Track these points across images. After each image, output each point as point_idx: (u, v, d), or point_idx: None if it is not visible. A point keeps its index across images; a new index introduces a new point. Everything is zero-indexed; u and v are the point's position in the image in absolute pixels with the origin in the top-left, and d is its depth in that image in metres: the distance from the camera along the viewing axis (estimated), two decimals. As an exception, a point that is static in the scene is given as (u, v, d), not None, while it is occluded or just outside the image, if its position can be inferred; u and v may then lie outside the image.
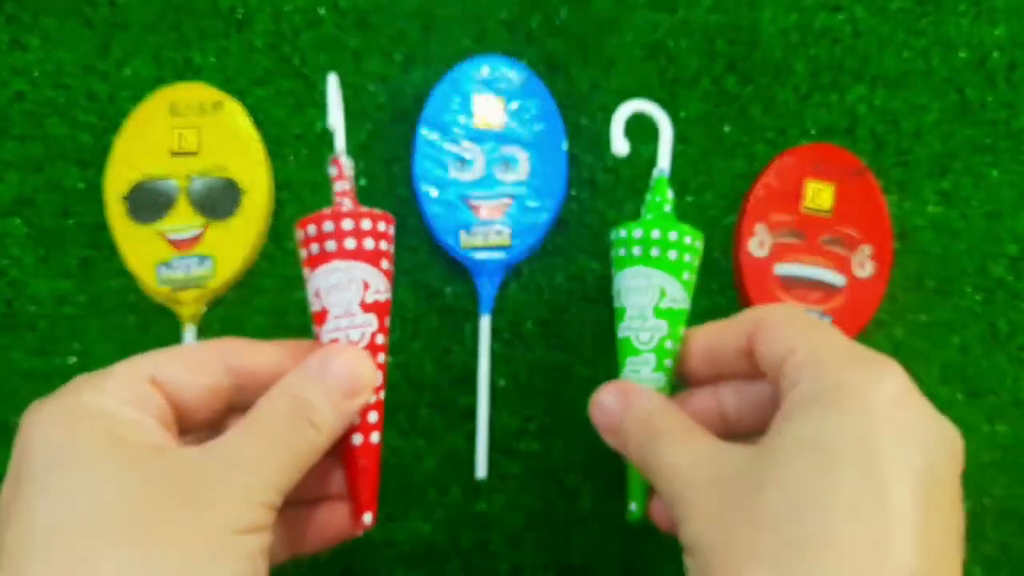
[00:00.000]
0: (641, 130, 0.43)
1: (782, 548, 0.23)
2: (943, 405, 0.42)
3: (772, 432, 0.26)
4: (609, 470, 0.41)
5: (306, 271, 0.34)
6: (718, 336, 0.32)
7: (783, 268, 0.42)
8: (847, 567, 0.22)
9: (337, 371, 0.29)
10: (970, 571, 0.42)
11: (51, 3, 0.43)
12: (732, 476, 0.26)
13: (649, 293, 0.33)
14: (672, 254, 0.33)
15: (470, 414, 0.42)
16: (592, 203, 0.43)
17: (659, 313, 0.33)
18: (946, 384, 0.43)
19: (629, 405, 0.31)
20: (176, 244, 0.41)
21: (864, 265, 0.42)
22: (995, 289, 0.43)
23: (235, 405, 0.30)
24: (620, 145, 0.35)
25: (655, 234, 0.33)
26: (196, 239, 0.41)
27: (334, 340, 0.32)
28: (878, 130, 0.44)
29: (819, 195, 0.42)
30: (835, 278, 0.42)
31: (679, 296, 0.33)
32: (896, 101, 0.44)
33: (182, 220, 0.41)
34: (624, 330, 0.33)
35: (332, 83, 0.36)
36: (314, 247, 0.34)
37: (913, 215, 0.44)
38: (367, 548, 0.40)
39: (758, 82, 0.44)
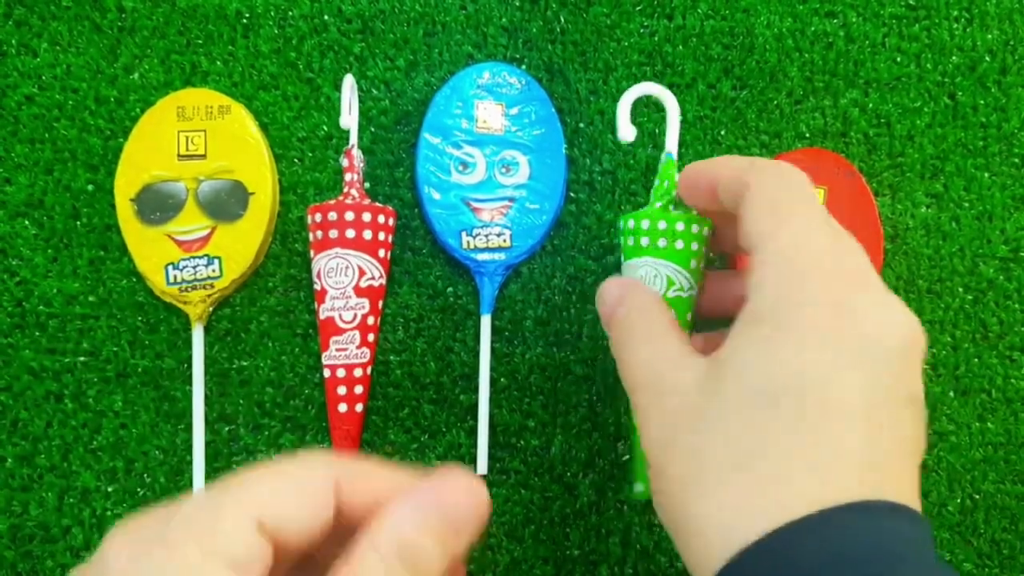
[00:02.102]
0: (638, 132, 0.44)
1: (721, 486, 0.24)
2: (935, 403, 0.43)
3: (723, 353, 0.26)
4: (607, 465, 0.42)
5: (312, 252, 0.40)
6: (709, 183, 0.31)
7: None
8: (796, 489, 0.23)
9: (452, 505, 0.23)
10: (961, 566, 0.43)
11: (60, 8, 0.44)
12: (683, 393, 0.26)
13: (656, 283, 0.33)
14: (679, 244, 0.33)
15: (471, 411, 0.42)
16: (590, 205, 0.44)
17: (666, 302, 0.32)
18: (937, 382, 0.44)
19: (623, 298, 0.31)
20: (184, 245, 0.42)
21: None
22: (986, 290, 0.44)
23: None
24: (626, 131, 0.34)
25: (661, 225, 0.33)
26: (204, 240, 0.42)
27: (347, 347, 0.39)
28: (871, 133, 0.45)
29: (812, 198, 0.43)
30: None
31: (686, 284, 0.33)
32: (889, 105, 0.45)
33: (190, 222, 0.42)
34: None
35: (348, 83, 0.39)
36: (319, 233, 0.39)
37: (905, 217, 0.44)
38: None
39: (753, 87, 0.45)
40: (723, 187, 0.30)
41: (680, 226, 0.33)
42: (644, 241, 0.34)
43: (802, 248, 0.26)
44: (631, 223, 0.35)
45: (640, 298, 0.31)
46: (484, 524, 0.24)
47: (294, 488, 0.22)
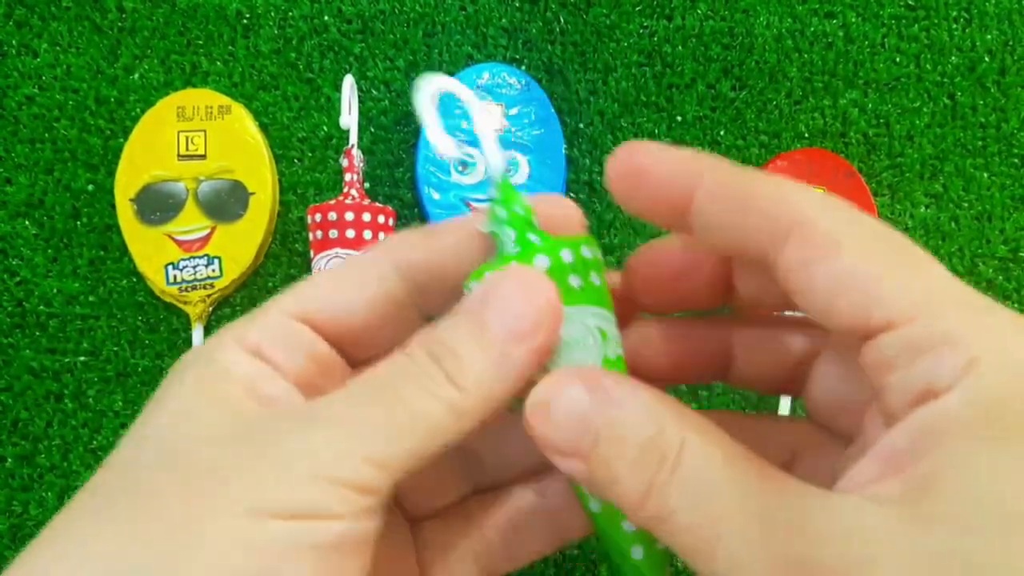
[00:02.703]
0: (638, 132, 0.44)
1: None
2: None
3: (923, 478, 0.15)
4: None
5: (312, 252, 0.40)
6: (678, 190, 0.20)
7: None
8: None
9: (502, 304, 0.19)
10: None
11: (60, 9, 0.44)
12: (870, 559, 0.15)
13: (590, 342, 0.21)
14: (594, 279, 0.22)
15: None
16: (590, 205, 0.44)
17: (609, 364, 0.21)
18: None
19: (610, 406, 0.18)
20: (184, 245, 0.42)
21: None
22: (985, 290, 0.44)
23: (433, 313, 0.21)
24: (442, 140, 0.22)
25: (566, 256, 0.21)
26: (204, 240, 0.42)
27: None
28: (870, 134, 0.45)
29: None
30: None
31: (617, 335, 0.22)
32: (888, 105, 0.45)
33: (190, 222, 0.42)
34: None
35: (348, 84, 0.40)
36: (319, 233, 0.39)
37: (904, 217, 0.45)
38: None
39: (753, 87, 0.45)
40: (735, 212, 0.19)
41: (587, 252, 0.22)
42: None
43: (1007, 324, 0.16)
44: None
45: (644, 397, 0.19)
46: (552, 325, 0.20)
47: (336, 276, 0.21)
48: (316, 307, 0.21)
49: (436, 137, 0.22)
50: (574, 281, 0.21)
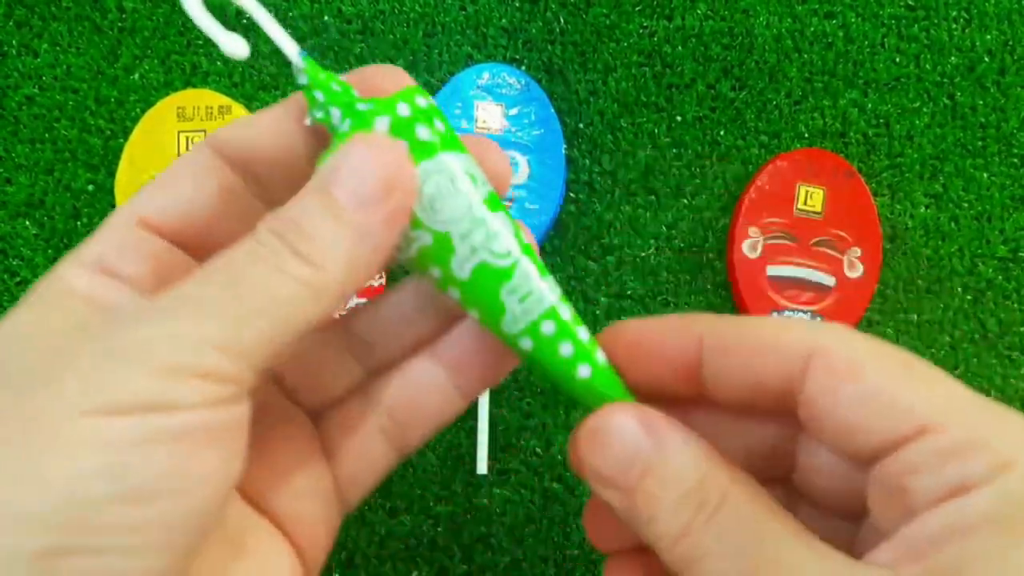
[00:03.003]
0: (638, 132, 0.44)
1: None
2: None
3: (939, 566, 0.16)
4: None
5: None
6: (684, 356, 0.20)
7: (775, 269, 0.43)
8: None
9: (348, 173, 0.18)
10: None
11: (61, 9, 0.44)
12: None
13: (463, 188, 0.20)
14: (438, 124, 0.20)
15: (471, 411, 0.42)
16: (590, 205, 0.44)
17: (490, 204, 0.21)
18: (936, 382, 0.44)
19: (662, 448, 0.19)
20: (184, 245, 0.42)
21: (854, 266, 0.43)
22: (985, 290, 0.44)
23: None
24: (228, 40, 0.21)
25: (403, 110, 0.20)
26: (204, 241, 0.42)
27: None
28: (870, 133, 0.45)
29: (811, 198, 0.43)
30: (826, 279, 0.43)
31: (480, 172, 0.21)
32: (888, 105, 0.45)
33: (190, 222, 0.42)
34: (467, 260, 0.20)
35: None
36: None
37: (904, 217, 0.45)
38: (370, 542, 0.41)
39: (752, 87, 0.45)
40: (752, 362, 0.19)
41: (422, 101, 0.20)
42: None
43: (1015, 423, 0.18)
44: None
45: (700, 456, 0.19)
46: (408, 188, 0.19)
47: (170, 174, 0.21)
48: (153, 209, 0.20)
49: (219, 36, 0.20)
50: (422, 132, 0.20)
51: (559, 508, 0.42)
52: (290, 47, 0.21)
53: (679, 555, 0.18)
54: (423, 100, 0.20)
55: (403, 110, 0.20)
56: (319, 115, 0.20)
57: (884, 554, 0.17)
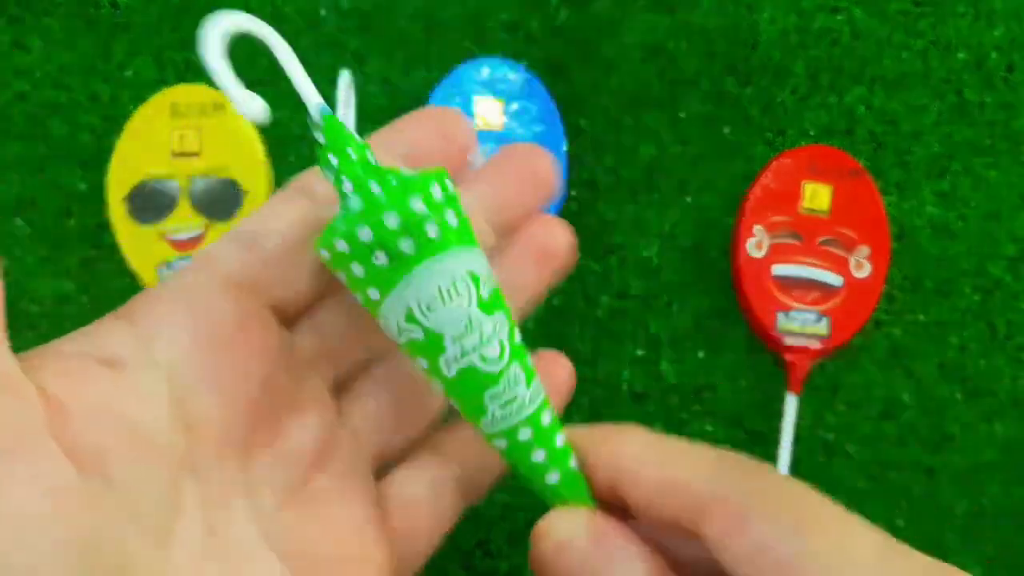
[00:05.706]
0: (641, 129, 0.44)
1: None
2: (941, 405, 0.43)
3: None
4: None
5: None
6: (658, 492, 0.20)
7: (781, 269, 0.42)
8: None
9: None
10: (969, 571, 0.42)
11: (53, 5, 0.44)
12: None
13: (461, 289, 0.20)
14: (451, 218, 0.20)
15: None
16: (592, 203, 0.43)
17: (488, 307, 0.20)
18: (944, 383, 0.43)
19: (609, 561, 0.20)
20: (177, 245, 0.41)
21: (862, 265, 0.42)
22: (993, 289, 0.44)
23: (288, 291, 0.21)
24: (246, 101, 0.20)
25: (417, 205, 0.19)
26: (197, 240, 0.41)
27: None
28: (877, 131, 0.44)
29: (817, 196, 0.43)
30: (833, 278, 0.42)
31: (487, 268, 0.20)
32: (895, 102, 0.45)
33: (183, 221, 0.41)
34: (455, 361, 0.20)
35: (344, 80, 0.38)
36: None
37: (912, 216, 0.44)
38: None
39: (757, 83, 0.44)
40: (663, 499, 0.20)
41: (436, 191, 0.19)
42: (405, 245, 0.19)
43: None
44: (364, 232, 0.19)
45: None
46: None
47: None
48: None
49: (236, 96, 0.19)
50: (431, 230, 0.19)
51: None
52: (313, 98, 0.20)
53: None
54: (439, 191, 0.19)
55: (417, 206, 0.19)
56: (328, 178, 0.20)
57: None
